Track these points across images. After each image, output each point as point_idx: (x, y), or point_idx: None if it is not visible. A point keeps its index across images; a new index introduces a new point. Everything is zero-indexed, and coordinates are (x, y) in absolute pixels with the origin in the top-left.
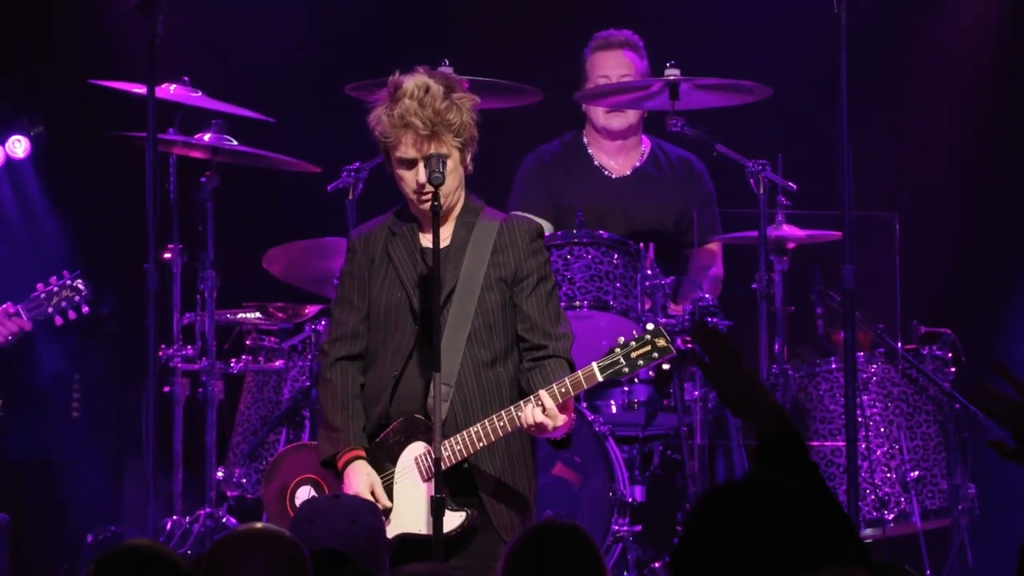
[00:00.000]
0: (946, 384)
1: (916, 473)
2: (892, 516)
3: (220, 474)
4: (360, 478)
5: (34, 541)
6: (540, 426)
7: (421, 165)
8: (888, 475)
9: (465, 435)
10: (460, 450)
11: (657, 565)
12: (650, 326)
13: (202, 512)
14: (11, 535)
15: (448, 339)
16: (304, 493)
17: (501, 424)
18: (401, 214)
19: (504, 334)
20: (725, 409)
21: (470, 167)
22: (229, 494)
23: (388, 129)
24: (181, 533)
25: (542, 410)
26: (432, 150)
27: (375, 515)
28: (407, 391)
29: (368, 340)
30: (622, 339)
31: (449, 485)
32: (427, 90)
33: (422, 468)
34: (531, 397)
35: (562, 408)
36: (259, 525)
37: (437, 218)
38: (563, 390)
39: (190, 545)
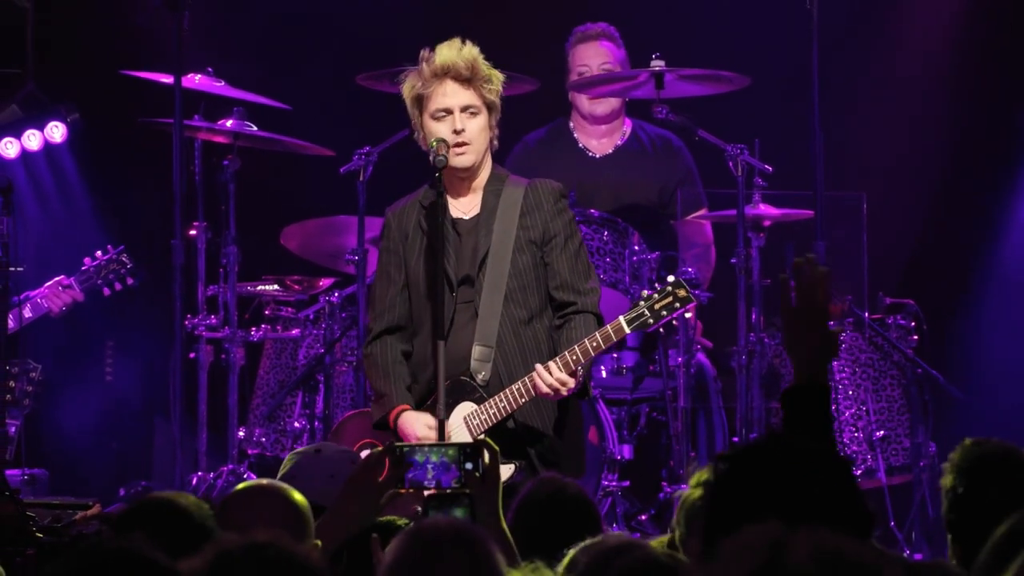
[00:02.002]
0: (909, 351)
1: (881, 432)
2: (859, 472)
3: (241, 434)
4: (415, 424)
5: (70, 494)
6: (555, 391)
7: (456, 113)
8: (856, 434)
9: (508, 393)
10: (504, 407)
11: (643, 517)
12: (671, 278)
13: (225, 469)
14: (50, 489)
15: (486, 302)
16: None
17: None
18: (433, 186)
19: (538, 292)
20: (706, 374)
21: (496, 142)
22: (250, 452)
23: (428, 79)
24: (206, 488)
25: (552, 375)
26: (468, 100)
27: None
28: (452, 355)
29: (408, 309)
30: (646, 292)
31: (498, 440)
32: (463, 46)
33: (471, 426)
34: (536, 367)
35: (571, 373)
36: (265, 481)
37: (441, 197)
38: (594, 344)
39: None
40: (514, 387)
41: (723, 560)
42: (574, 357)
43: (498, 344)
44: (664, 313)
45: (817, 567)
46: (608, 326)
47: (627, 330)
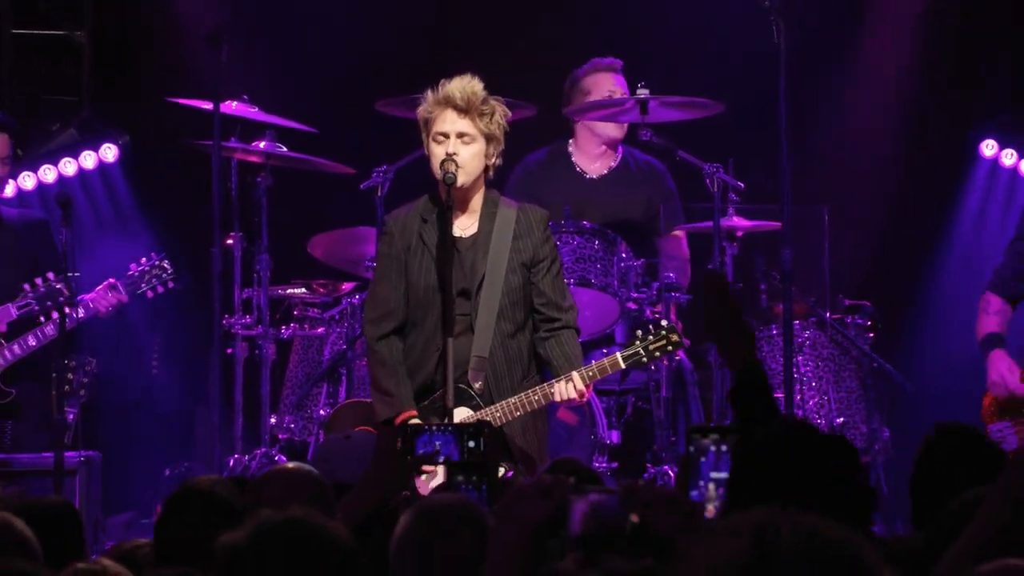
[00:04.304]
0: (866, 347)
1: (841, 419)
2: None
3: (273, 420)
4: None
5: (121, 474)
6: (571, 401)
7: (452, 138)
8: (818, 421)
9: (504, 405)
10: (500, 417)
11: None
12: (664, 323)
13: (258, 451)
14: (103, 469)
15: (482, 318)
16: None
17: (536, 398)
18: (433, 200)
19: (524, 308)
20: (685, 368)
21: (491, 173)
22: (280, 437)
23: (432, 106)
24: (241, 469)
25: (574, 388)
26: (463, 128)
27: None
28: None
29: (406, 312)
30: (640, 332)
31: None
32: (470, 81)
33: None
34: (563, 376)
35: (588, 387)
36: (291, 465)
37: (449, 211)
38: (591, 374)
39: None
40: (511, 401)
41: (711, 543)
42: (591, 373)
43: (490, 355)
44: (657, 354)
45: (801, 548)
46: (606, 360)
47: (622, 366)
